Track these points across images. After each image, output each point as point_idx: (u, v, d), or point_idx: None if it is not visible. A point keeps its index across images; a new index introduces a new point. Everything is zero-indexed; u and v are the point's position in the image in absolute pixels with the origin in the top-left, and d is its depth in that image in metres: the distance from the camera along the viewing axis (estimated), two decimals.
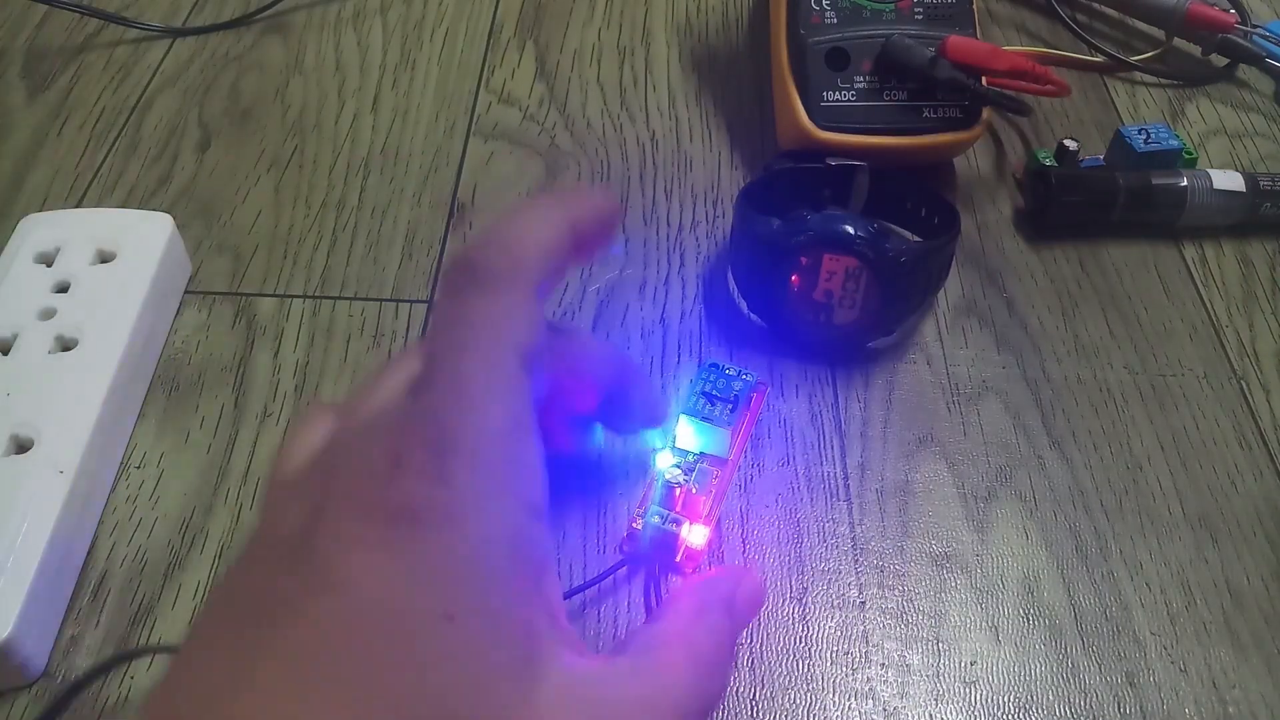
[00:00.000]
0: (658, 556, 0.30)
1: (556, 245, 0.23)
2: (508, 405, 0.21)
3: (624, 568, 0.30)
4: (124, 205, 0.41)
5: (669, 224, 0.41)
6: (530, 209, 0.24)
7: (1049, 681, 0.28)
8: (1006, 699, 0.28)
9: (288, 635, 0.19)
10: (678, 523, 0.30)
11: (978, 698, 0.28)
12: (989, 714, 0.28)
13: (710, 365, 0.33)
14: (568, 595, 0.29)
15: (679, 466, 0.31)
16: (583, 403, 0.28)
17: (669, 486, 0.30)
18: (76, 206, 0.41)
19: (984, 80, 0.39)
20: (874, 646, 0.29)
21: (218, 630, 0.20)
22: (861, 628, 0.29)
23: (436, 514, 0.20)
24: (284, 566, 0.20)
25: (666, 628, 0.24)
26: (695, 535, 0.30)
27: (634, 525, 0.30)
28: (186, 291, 0.38)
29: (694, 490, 0.30)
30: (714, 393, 0.32)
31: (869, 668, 0.29)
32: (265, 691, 0.18)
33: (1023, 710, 0.28)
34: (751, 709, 0.28)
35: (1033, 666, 0.29)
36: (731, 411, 0.32)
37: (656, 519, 0.30)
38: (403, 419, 0.21)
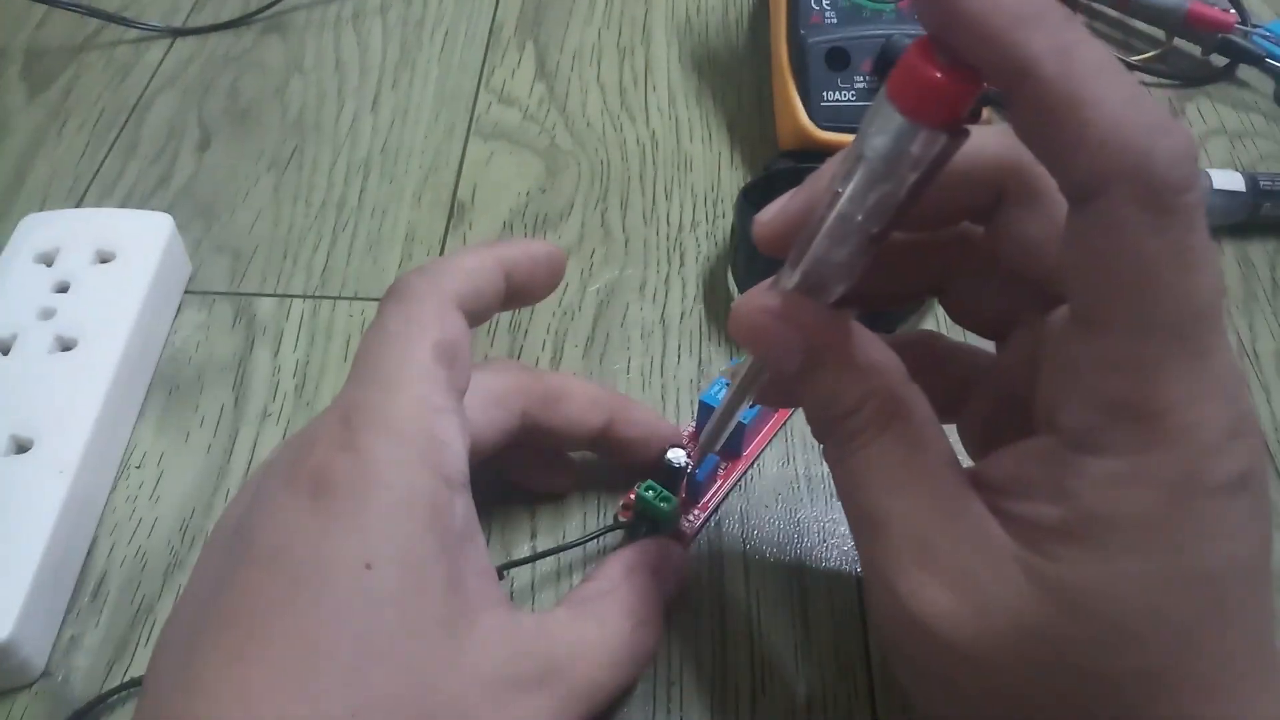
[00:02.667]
0: (647, 527, 0.30)
1: (478, 270, 0.25)
2: (419, 389, 0.23)
3: (611, 532, 0.31)
4: (124, 205, 0.41)
5: (669, 224, 0.41)
6: (463, 249, 0.27)
7: None
8: None
9: (221, 607, 0.20)
10: (668, 501, 0.30)
11: None
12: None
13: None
14: (549, 553, 0.30)
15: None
16: (571, 446, 0.30)
17: (674, 468, 0.30)
18: (76, 206, 0.41)
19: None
20: (874, 647, 0.29)
21: (176, 621, 0.22)
22: (861, 628, 0.29)
23: (349, 476, 0.21)
24: (225, 548, 0.22)
25: (599, 585, 0.27)
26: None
27: (630, 496, 0.31)
28: (186, 291, 0.38)
29: (699, 478, 0.30)
30: None
31: (869, 668, 0.29)
32: (205, 663, 0.20)
33: None
34: (752, 708, 0.28)
35: None
36: (751, 406, 0.32)
37: (650, 493, 0.30)
38: (325, 410, 0.23)
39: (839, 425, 0.22)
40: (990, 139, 0.21)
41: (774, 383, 0.24)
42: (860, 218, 0.19)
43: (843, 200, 0.19)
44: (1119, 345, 0.18)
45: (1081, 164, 0.17)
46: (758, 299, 0.22)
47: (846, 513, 0.22)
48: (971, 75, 0.18)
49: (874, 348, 0.22)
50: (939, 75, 0.17)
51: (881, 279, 0.23)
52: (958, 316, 0.25)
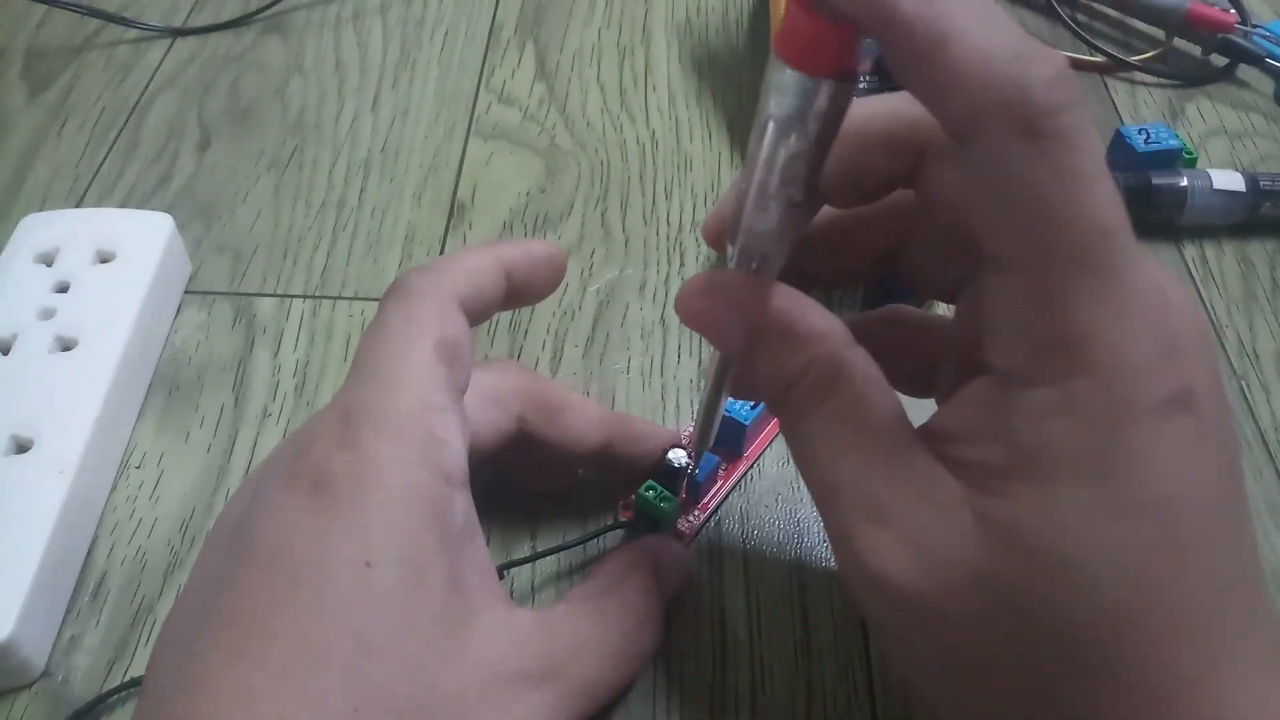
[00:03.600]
0: (647, 526, 0.30)
1: (479, 269, 0.25)
2: (420, 387, 0.23)
3: (611, 532, 0.30)
4: (124, 205, 0.41)
5: (669, 224, 0.41)
6: (464, 248, 0.27)
7: None
8: None
9: (221, 606, 0.20)
10: (669, 501, 0.30)
11: None
12: None
13: None
14: (549, 553, 0.30)
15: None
16: (568, 460, 0.30)
17: (674, 468, 0.30)
18: (76, 206, 0.41)
19: None
20: (874, 647, 0.29)
21: (176, 621, 0.22)
22: (861, 628, 0.29)
23: (349, 474, 0.21)
24: (225, 547, 0.22)
25: (599, 583, 0.27)
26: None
27: (630, 496, 0.31)
28: (186, 291, 0.38)
29: (698, 478, 0.30)
30: None
31: (869, 668, 0.29)
32: (205, 662, 0.20)
33: None
34: (752, 708, 0.28)
35: None
36: (753, 408, 0.32)
37: (650, 493, 0.30)
38: (325, 408, 0.23)
39: (786, 397, 0.22)
40: (904, 100, 0.21)
41: (737, 370, 0.24)
42: (777, 182, 0.20)
43: (758, 167, 0.20)
44: (1029, 279, 0.18)
45: (955, 103, 0.17)
46: (693, 281, 0.22)
47: (805, 482, 0.22)
48: (845, 23, 0.18)
49: (812, 313, 0.22)
50: (816, 25, 0.18)
51: (832, 256, 0.24)
52: (917, 285, 0.25)
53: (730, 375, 0.24)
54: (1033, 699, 0.19)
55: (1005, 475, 0.18)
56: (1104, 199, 0.17)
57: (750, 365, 0.22)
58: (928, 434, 0.21)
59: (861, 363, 0.21)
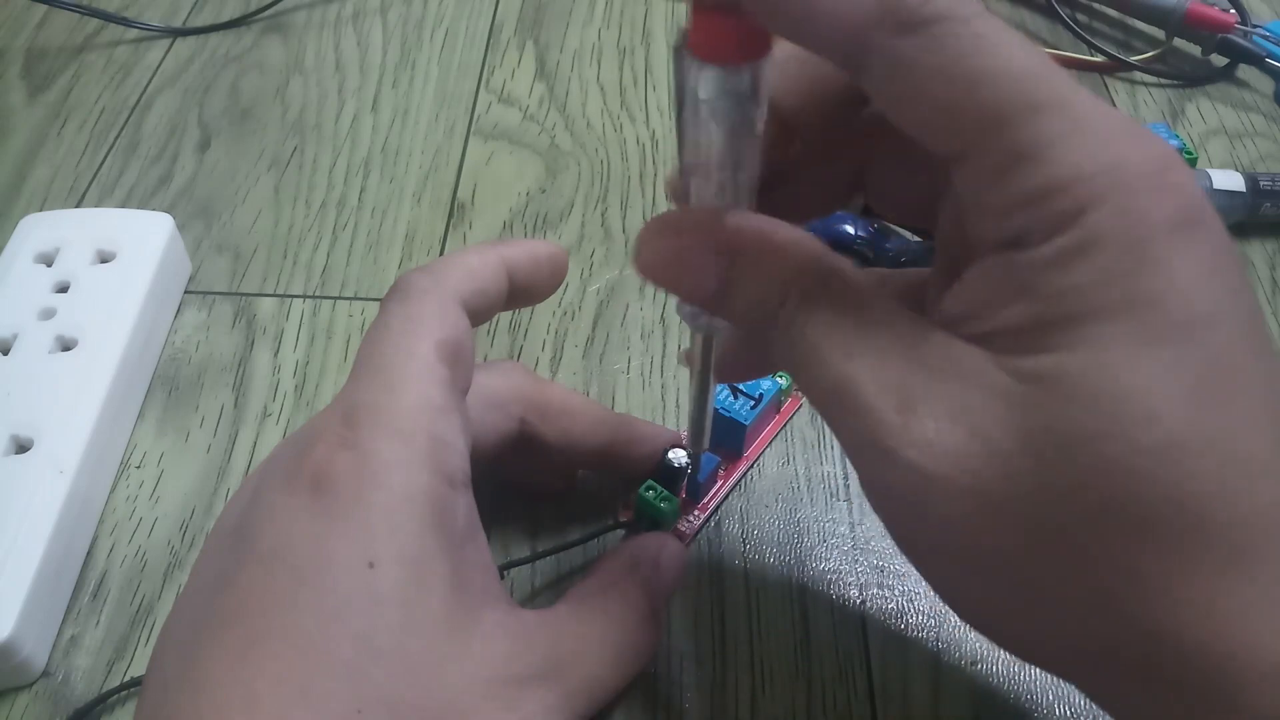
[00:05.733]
0: (647, 526, 0.30)
1: (481, 269, 0.25)
2: (421, 387, 0.23)
3: (611, 532, 0.30)
4: (124, 205, 0.41)
5: None
6: (466, 248, 0.27)
7: (1049, 681, 0.28)
8: (1007, 699, 0.28)
9: (223, 606, 0.20)
10: (669, 501, 0.30)
11: (979, 698, 0.28)
12: (991, 715, 0.28)
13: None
14: (549, 553, 0.30)
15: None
16: (569, 462, 0.30)
17: (674, 468, 0.30)
18: (76, 206, 0.41)
19: None
20: (874, 647, 0.29)
21: (176, 621, 0.22)
22: (861, 628, 0.29)
23: (350, 475, 0.21)
24: (226, 547, 0.22)
25: (600, 581, 0.27)
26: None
27: (631, 497, 0.31)
28: (186, 291, 0.38)
29: (698, 478, 0.30)
30: (740, 386, 0.32)
31: (869, 668, 0.29)
32: (208, 663, 0.20)
33: (1024, 711, 0.28)
34: (752, 708, 0.28)
35: (1032, 667, 0.29)
36: (753, 408, 0.32)
37: (650, 493, 0.30)
38: (326, 408, 0.23)
39: (781, 312, 0.20)
40: None
41: (717, 306, 0.22)
42: (729, 159, 0.19)
43: (713, 165, 0.20)
44: (996, 149, 0.17)
45: (832, 37, 0.17)
46: (649, 225, 0.21)
47: (814, 400, 0.20)
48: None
49: (783, 225, 0.21)
50: (727, 20, 0.18)
51: (796, 191, 0.23)
52: (888, 211, 0.24)
53: (714, 360, 0.24)
54: (1105, 572, 0.17)
55: (1035, 330, 0.17)
56: (1020, 48, 0.17)
57: (732, 299, 0.21)
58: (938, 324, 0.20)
59: (846, 263, 0.20)
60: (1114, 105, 0.47)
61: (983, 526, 0.18)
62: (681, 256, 0.21)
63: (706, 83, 0.18)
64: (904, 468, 0.18)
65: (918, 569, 0.21)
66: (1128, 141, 0.17)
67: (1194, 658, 0.17)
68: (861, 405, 0.19)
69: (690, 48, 0.18)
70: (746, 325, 0.21)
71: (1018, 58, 0.17)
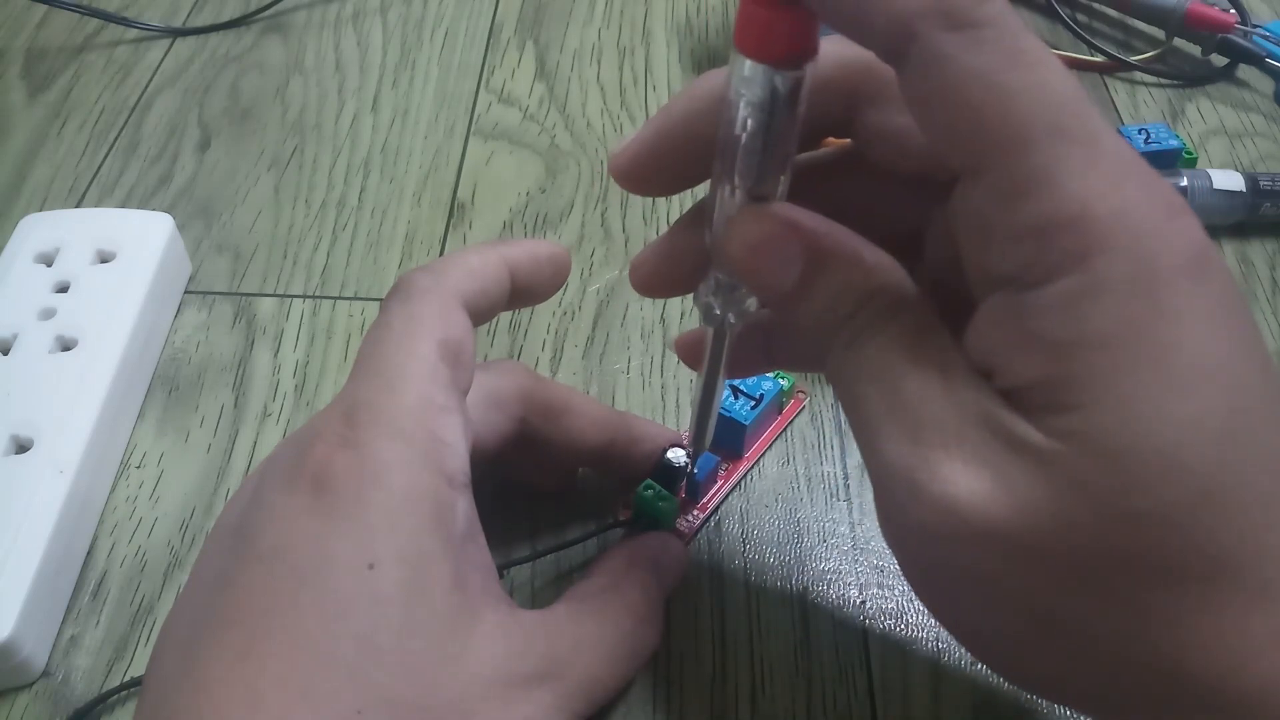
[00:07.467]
0: (647, 526, 0.30)
1: (482, 268, 0.25)
2: (422, 387, 0.23)
3: (611, 531, 0.30)
4: (124, 205, 0.41)
5: (668, 224, 0.40)
6: (467, 247, 0.27)
7: None
8: (1008, 700, 0.28)
9: (223, 605, 0.20)
10: (668, 501, 0.30)
11: (979, 698, 0.28)
12: (991, 715, 0.28)
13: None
14: (549, 552, 0.30)
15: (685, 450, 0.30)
16: (570, 460, 0.30)
17: (674, 468, 0.30)
18: (76, 206, 0.41)
19: None
20: (874, 647, 0.29)
21: (177, 620, 0.22)
22: (861, 628, 0.29)
23: (351, 474, 0.21)
24: (226, 547, 0.22)
25: (599, 581, 0.27)
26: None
27: (630, 497, 0.31)
28: (186, 291, 0.38)
29: (698, 478, 0.30)
30: (740, 386, 0.32)
31: (869, 668, 0.29)
32: (209, 663, 0.20)
33: (1024, 711, 0.28)
34: (752, 708, 0.28)
35: None
36: (753, 408, 0.31)
37: (650, 493, 0.30)
38: (327, 407, 0.23)
39: (849, 321, 0.20)
40: (828, 48, 0.20)
41: (779, 307, 0.22)
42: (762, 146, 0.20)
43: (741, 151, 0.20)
44: (1010, 168, 0.17)
45: (882, 19, 0.17)
46: (744, 213, 0.21)
47: (852, 413, 0.21)
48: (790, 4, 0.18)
49: (870, 246, 0.21)
50: (768, 12, 0.18)
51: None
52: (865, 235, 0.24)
53: (726, 362, 0.24)
54: (1130, 614, 0.18)
55: (1058, 386, 0.17)
56: (1058, 71, 0.17)
57: (810, 299, 0.21)
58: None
59: (920, 292, 0.20)
60: (1114, 105, 0.47)
61: (1006, 569, 0.18)
62: (773, 246, 0.21)
63: (751, 83, 0.19)
64: (929, 503, 0.18)
65: (925, 603, 0.21)
66: (1136, 184, 0.17)
67: (1215, 693, 0.17)
68: (901, 434, 0.19)
69: (737, 46, 0.18)
70: (810, 328, 0.21)
71: (1054, 81, 0.17)
